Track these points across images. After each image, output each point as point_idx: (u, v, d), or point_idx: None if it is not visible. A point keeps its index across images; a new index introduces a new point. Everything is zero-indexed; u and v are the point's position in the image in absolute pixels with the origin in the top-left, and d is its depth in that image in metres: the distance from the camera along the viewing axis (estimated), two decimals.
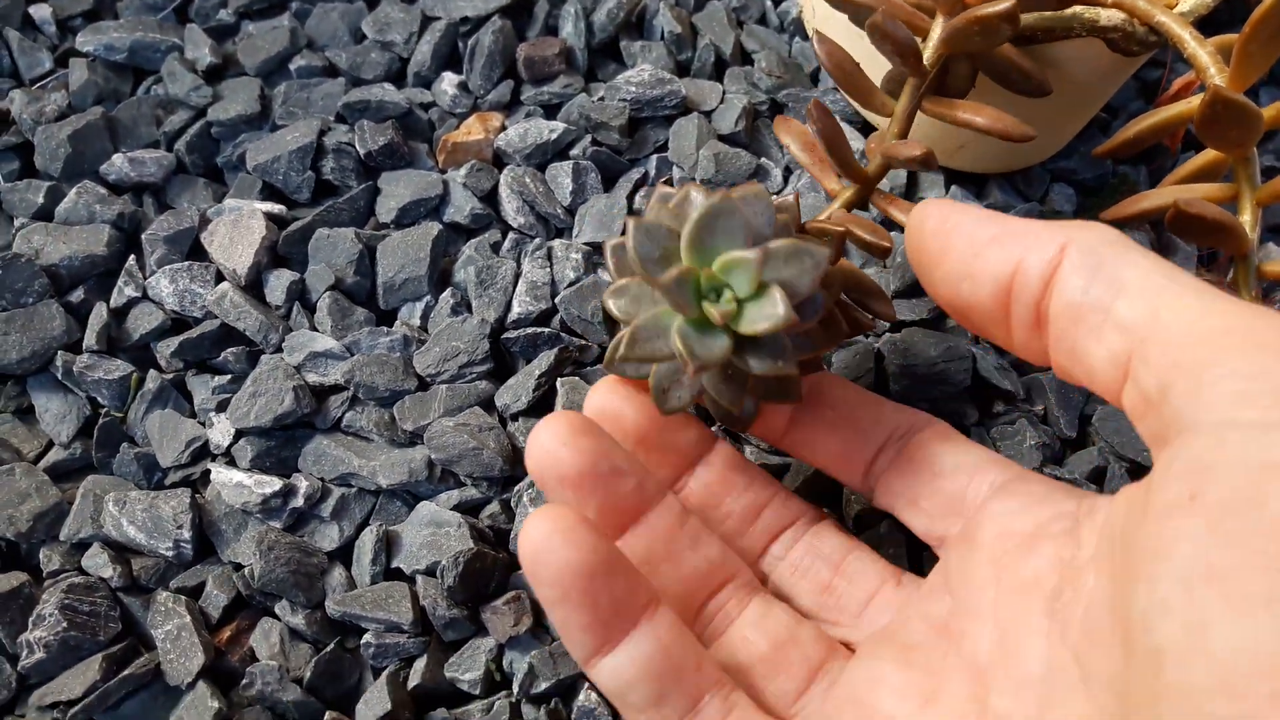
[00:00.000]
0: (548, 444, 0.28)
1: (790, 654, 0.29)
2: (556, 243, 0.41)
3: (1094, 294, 0.24)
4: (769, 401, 0.31)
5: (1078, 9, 0.33)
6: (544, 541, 0.26)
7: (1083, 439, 0.38)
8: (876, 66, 0.34)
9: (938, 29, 0.32)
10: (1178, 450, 0.20)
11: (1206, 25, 0.35)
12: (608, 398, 0.31)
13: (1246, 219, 0.31)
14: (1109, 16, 0.32)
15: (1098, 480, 0.37)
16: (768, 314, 0.26)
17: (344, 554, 0.36)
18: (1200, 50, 0.32)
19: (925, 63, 0.32)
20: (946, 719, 0.26)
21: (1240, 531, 0.18)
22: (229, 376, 0.38)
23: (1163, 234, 0.42)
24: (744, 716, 0.27)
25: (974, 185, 0.42)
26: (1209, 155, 0.34)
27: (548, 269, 0.40)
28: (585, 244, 0.41)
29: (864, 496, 0.32)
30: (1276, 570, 0.18)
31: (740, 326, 0.27)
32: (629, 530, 0.30)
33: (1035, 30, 0.33)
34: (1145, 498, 0.21)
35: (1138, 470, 0.37)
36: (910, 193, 0.42)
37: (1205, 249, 0.42)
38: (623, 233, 0.31)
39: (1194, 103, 0.32)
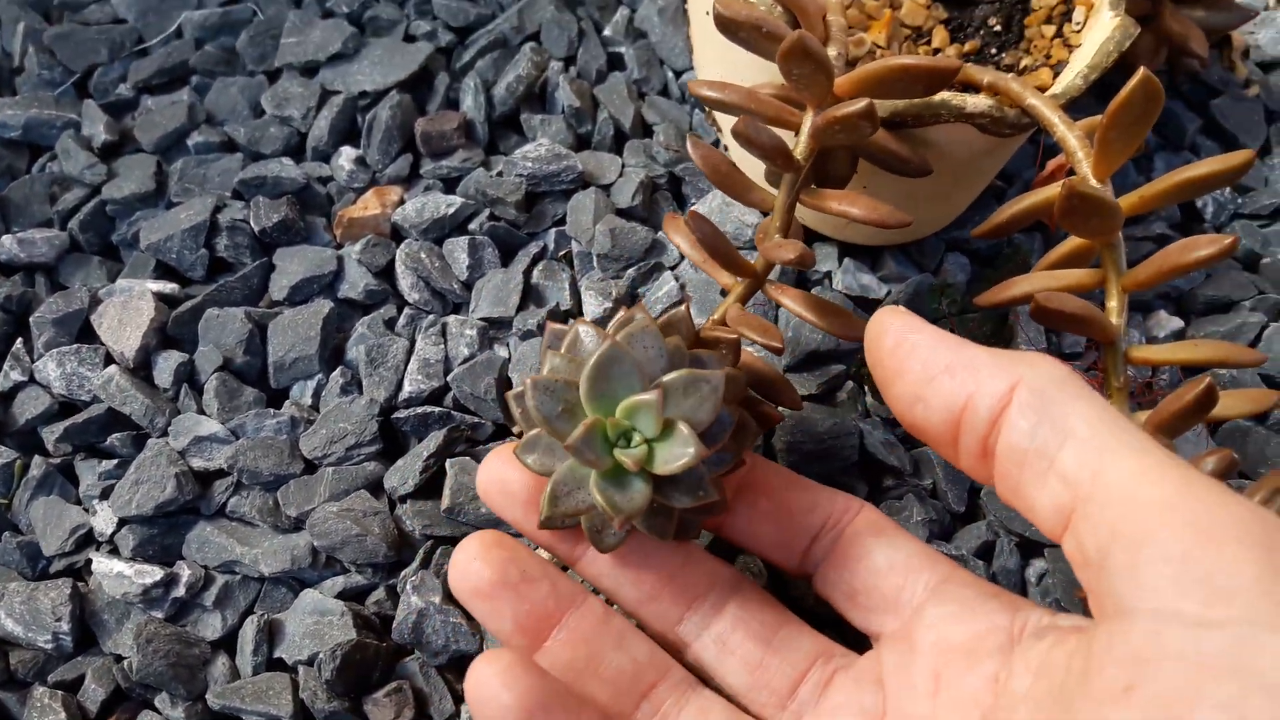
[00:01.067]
0: (461, 562, 0.30)
1: None
2: (452, 318, 0.41)
3: (1040, 440, 0.24)
4: (697, 517, 0.31)
5: (945, 95, 0.33)
6: (483, 686, 0.27)
7: (971, 513, 0.38)
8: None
9: (807, 123, 0.32)
10: (1117, 631, 0.21)
11: (1100, 89, 0.35)
12: (498, 466, 0.32)
13: (1113, 305, 0.32)
14: (975, 104, 0.33)
15: (986, 556, 0.37)
16: (678, 454, 0.27)
17: (228, 643, 0.35)
18: (1069, 134, 0.32)
19: (798, 157, 0.32)
20: None
21: None
22: (116, 461, 0.37)
23: None
24: None
25: (868, 257, 0.42)
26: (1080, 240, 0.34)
27: (441, 346, 0.40)
28: (481, 319, 0.41)
29: (802, 582, 0.32)
30: None
31: (654, 468, 0.27)
32: (550, 636, 0.30)
33: (904, 116, 0.33)
34: (1085, 667, 0.22)
35: (1027, 545, 0.37)
36: None
37: None
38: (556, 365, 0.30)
39: None
